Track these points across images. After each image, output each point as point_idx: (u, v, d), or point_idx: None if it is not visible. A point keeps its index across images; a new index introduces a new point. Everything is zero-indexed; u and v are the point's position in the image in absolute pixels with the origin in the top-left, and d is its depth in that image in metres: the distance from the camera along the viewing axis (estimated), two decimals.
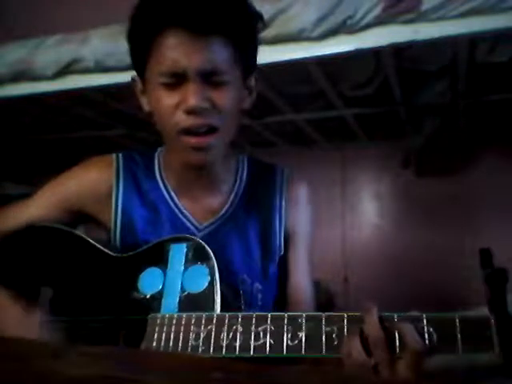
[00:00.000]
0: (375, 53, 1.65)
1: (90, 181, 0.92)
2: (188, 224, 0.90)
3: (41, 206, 0.94)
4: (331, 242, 2.85)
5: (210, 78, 0.77)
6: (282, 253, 0.94)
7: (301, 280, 0.95)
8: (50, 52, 1.92)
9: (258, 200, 0.94)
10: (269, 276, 0.92)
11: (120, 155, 0.94)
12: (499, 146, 2.56)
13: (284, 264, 0.94)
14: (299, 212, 0.96)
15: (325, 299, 2.60)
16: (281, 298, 0.94)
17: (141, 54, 0.81)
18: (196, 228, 0.90)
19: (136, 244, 0.86)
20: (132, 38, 0.82)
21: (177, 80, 0.77)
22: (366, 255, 2.82)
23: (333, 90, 2.03)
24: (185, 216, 0.90)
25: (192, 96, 0.76)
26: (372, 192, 2.94)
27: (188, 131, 0.79)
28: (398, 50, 1.64)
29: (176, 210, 0.91)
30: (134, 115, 2.47)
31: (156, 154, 0.96)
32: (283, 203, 0.94)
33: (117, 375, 0.44)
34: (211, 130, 0.79)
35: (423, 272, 2.58)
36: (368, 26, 1.48)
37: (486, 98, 2.10)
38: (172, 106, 0.79)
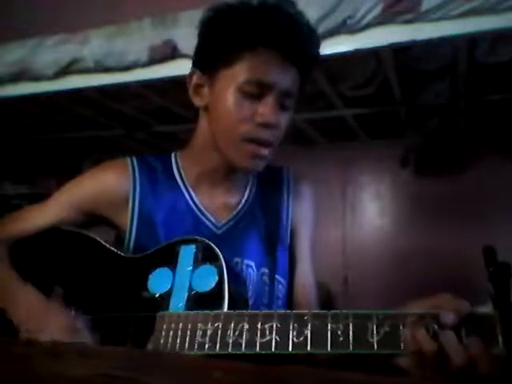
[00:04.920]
0: (375, 53, 1.65)
1: (107, 184, 0.94)
2: (208, 223, 0.93)
3: (57, 208, 0.95)
4: (331, 241, 2.84)
5: (283, 100, 0.85)
6: (289, 245, 0.99)
7: (305, 270, 0.99)
8: (49, 52, 1.92)
9: (268, 198, 0.99)
10: (283, 265, 0.96)
11: (134, 159, 0.96)
12: (499, 145, 2.56)
13: (290, 256, 0.99)
14: (303, 207, 1.02)
15: (325, 299, 2.60)
16: (289, 290, 0.98)
17: (225, 57, 0.84)
18: (215, 226, 0.93)
19: (154, 245, 0.87)
20: (219, 39, 0.85)
21: (259, 92, 0.82)
22: (367, 255, 2.82)
23: (333, 90, 2.02)
24: (204, 215, 0.93)
25: (273, 112, 0.83)
26: (372, 192, 2.94)
27: (252, 140, 0.84)
28: (398, 50, 1.64)
29: (196, 210, 0.93)
30: (134, 116, 2.48)
31: (172, 156, 0.98)
32: (290, 200, 1.00)
33: (117, 375, 0.44)
34: (268, 144, 0.86)
35: (424, 272, 2.58)
36: (368, 26, 1.47)
37: (486, 97, 2.10)
38: (246, 116, 0.83)
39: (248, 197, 0.98)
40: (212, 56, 0.86)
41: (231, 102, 0.83)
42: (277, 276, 0.93)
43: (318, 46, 0.88)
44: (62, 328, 0.77)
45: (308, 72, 0.90)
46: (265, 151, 0.85)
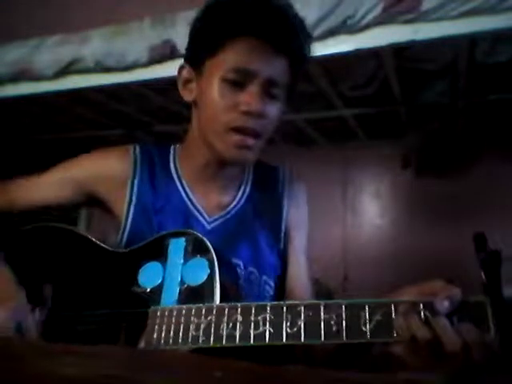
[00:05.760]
0: (375, 53, 1.65)
1: (108, 167, 0.94)
2: (199, 217, 0.93)
3: (54, 184, 0.95)
4: (332, 240, 2.85)
5: (269, 89, 0.83)
6: (282, 247, 0.97)
7: (299, 272, 0.98)
8: (49, 52, 1.93)
9: (263, 198, 0.98)
10: (272, 267, 0.95)
11: (137, 147, 0.96)
12: (499, 145, 2.56)
13: (283, 257, 0.98)
14: (298, 208, 1.01)
15: (324, 297, 2.60)
16: (280, 291, 0.97)
17: (209, 47, 0.84)
18: (206, 221, 0.93)
19: (150, 234, 0.87)
20: (204, 30, 0.85)
21: (243, 80, 0.81)
22: (366, 254, 2.82)
23: (333, 90, 2.03)
24: (197, 209, 0.93)
25: (257, 100, 0.81)
26: (372, 192, 2.94)
27: (238, 130, 0.83)
28: (398, 50, 1.64)
29: (188, 203, 0.93)
30: (134, 116, 2.48)
31: (171, 149, 0.99)
32: (285, 201, 0.99)
33: (116, 375, 0.44)
34: (256, 134, 0.84)
35: (423, 271, 2.57)
36: (368, 26, 1.48)
37: (486, 97, 2.10)
38: (230, 105, 0.82)
39: (241, 196, 0.97)
40: (198, 48, 0.87)
41: (216, 92, 0.82)
42: (264, 277, 0.93)
43: (305, 36, 0.86)
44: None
45: (300, 63, 0.88)
46: (251, 141, 0.84)
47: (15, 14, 2.41)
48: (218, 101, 0.82)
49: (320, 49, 1.56)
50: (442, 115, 2.34)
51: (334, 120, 2.47)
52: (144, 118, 2.53)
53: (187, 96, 0.90)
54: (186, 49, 0.91)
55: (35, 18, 2.30)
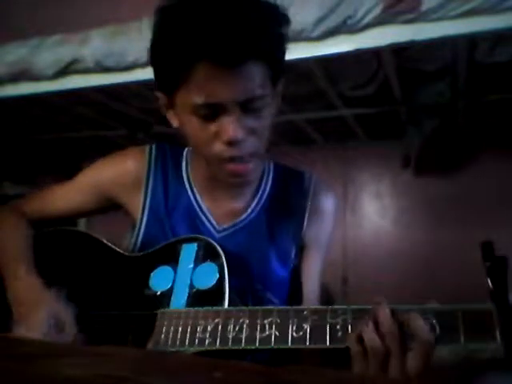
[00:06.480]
0: (375, 53, 1.65)
1: (124, 169, 0.94)
2: (208, 224, 0.91)
3: (78, 191, 0.96)
4: (331, 242, 2.84)
5: (246, 107, 0.74)
6: (296, 261, 0.93)
7: (310, 290, 0.95)
8: (49, 52, 1.93)
9: (282, 208, 0.93)
10: (280, 284, 0.91)
11: (153, 147, 0.96)
12: (498, 145, 2.57)
13: (297, 271, 0.94)
14: (322, 224, 0.95)
15: (324, 300, 2.60)
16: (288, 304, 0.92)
17: (170, 83, 0.77)
18: (215, 229, 0.90)
19: (162, 237, 0.88)
20: (161, 65, 0.78)
21: (213, 111, 0.74)
22: (367, 255, 2.82)
23: (333, 90, 2.03)
24: (206, 216, 0.91)
25: (232, 128, 0.74)
26: (372, 192, 2.94)
27: (228, 160, 0.78)
28: (398, 50, 1.64)
29: (198, 210, 0.92)
30: (134, 116, 2.48)
31: (184, 153, 0.96)
32: (306, 213, 0.92)
33: (117, 375, 0.44)
34: (248, 157, 0.79)
35: (423, 272, 2.58)
36: (368, 26, 1.48)
37: (486, 98, 2.11)
38: (210, 137, 0.76)
39: (256, 205, 0.92)
40: (162, 82, 0.80)
41: (193, 126, 0.77)
42: (268, 293, 0.88)
43: (272, 26, 0.74)
44: (46, 316, 0.77)
45: (277, 60, 0.77)
46: (245, 167, 0.79)
47: (15, 14, 2.41)
48: (199, 134, 0.77)
49: (320, 49, 1.56)
50: (441, 115, 2.34)
51: (334, 120, 2.47)
52: (144, 118, 2.54)
53: (173, 122, 0.84)
54: (154, 79, 0.83)
55: (35, 18, 2.30)
